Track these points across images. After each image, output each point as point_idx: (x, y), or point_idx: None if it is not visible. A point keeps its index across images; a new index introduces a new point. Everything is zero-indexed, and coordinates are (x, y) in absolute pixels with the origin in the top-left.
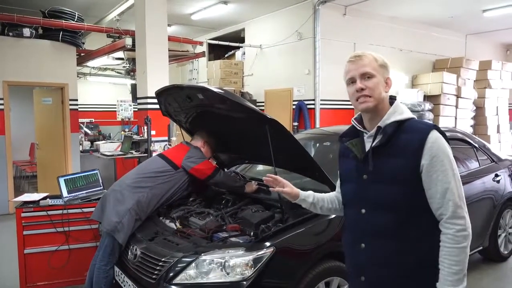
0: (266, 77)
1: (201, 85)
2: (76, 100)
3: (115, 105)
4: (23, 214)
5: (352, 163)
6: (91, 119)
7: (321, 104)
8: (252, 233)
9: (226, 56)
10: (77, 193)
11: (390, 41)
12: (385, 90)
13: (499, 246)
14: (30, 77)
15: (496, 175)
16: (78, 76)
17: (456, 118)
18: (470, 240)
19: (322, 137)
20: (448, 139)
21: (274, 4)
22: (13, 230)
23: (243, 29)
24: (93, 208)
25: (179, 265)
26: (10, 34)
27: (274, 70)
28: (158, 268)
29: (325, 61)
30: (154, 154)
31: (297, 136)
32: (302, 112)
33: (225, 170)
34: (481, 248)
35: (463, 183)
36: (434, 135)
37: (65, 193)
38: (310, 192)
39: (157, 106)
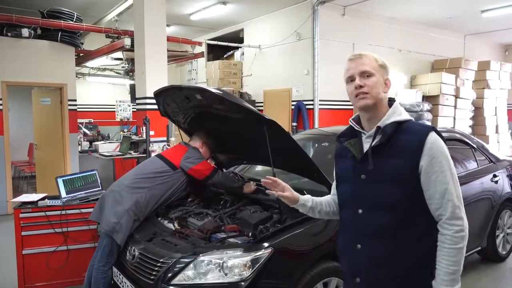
0: (265, 77)
1: (199, 85)
2: (75, 100)
3: (114, 105)
4: (21, 215)
5: (349, 163)
6: (90, 120)
7: (320, 105)
8: (250, 234)
9: (225, 56)
10: (75, 194)
11: (389, 42)
12: (384, 91)
13: (497, 246)
14: (29, 77)
15: (494, 176)
16: (77, 77)
17: (454, 119)
18: (466, 240)
19: (320, 138)
20: (445, 141)
21: (273, 5)
22: (12, 231)
23: (242, 30)
24: (92, 209)
25: (177, 266)
26: (9, 34)
27: (273, 71)
28: (156, 268)
29: (324, 61)
30: (153, 154)
31: (296, 137)
32: (301, 112)
33: (224, 170)
34: (479, 248)
35: (462, 184)
36: (432, 136)
37: (63, 193)
38: (308, 196)
39: (156, 107)
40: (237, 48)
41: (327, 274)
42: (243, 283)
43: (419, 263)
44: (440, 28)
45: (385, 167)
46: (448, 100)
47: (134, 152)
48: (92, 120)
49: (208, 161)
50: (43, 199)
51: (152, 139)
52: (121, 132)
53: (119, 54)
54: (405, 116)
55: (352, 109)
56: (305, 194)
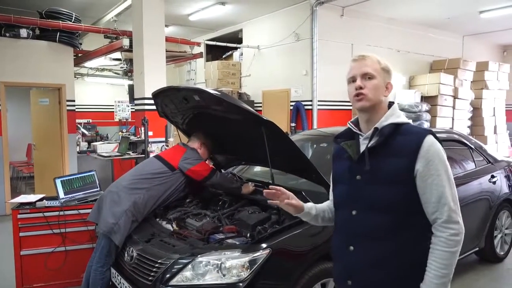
0: (263, 78)
1: (198, 86)
2: (73, 100)
3: (113, 105)
4: (19, 216)
5: (345, 164)
6: (88, 120)
7: (318, 105)
8: (248, 235)
9: (223, 57)
10: (73, 195)
11: (388, 42)
12: (384, 94)
13: (495, 247)
14: (27, 78)
15: (492, 176)
16: (75, 77)
17: (453, 119)
18: (461, 245)
19: (319, 138)
20: (443, 145)
21: (272, 5)
22: (10, 232)
23: (241, 30)
24: (90, 210)
25: (175, 267)
26: (7, 35)
27: (272, 71)
28: (154, 269)
29: (322, 62)
30: (151, 155)
31: (295, 137)
32: (299, 113)
33: (222, 171)
34: (477, 249)
35: (460, 184)
36: (430, 139)
37: (61, 194)
38: (311, 204)
39: (155, 107)
40: (235, 48)
41: (325, 275)
42: (241, 284)
43: (414, 265)
44: (438, 29)
45: (381, 168)
46: (446, 100)
47: (132, 152)
48: (91, 121)
49: (206, 162)
50: (41, 200)
51: (150, 140)
52: (120, 133)
53: (117, 55)
54: (404, 119)
55: (350, 109)
56: (304, 195)
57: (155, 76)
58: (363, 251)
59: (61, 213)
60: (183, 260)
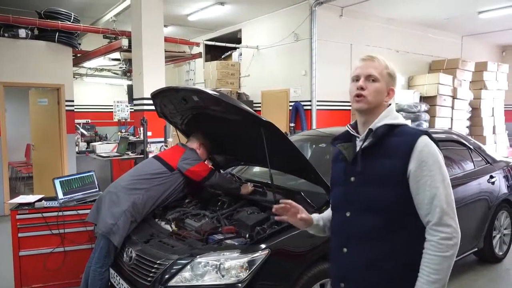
0: (262, 78)
1: (196, 87)
2: (72, 101)
3: (112, 106)
4: (18, 216)
5: (341, 166)
6: (87, 120)
7: (317, 105)
8: (247, 235)
9: (223, 57)
10: (72, 195)
11: (387, 42)
12: (385, 100)
13: (494, 247)
14: (26, 78)
15: (491, 177)
16: (74, 77)
17: (452, 119)
18: (455, 250)
19: (318, 139)
20: (439, 146)
21: (271, 5)
22: (8, 232)
23: (240, 30)
24: (89, 210)
25: (174, 268)
26: (6, 35)
27: (271, 71)
28: (153, 270)
29: (321, 62)
30: (150, 155)
31: (294, 137)
32: (298, 113)
33: (221, 171)
34: (476, 249)
35: (458, 185)
36: (424, 140)
37: (60, 195)
38: (317, 215)
39: (154, 107)
40: (235, 48)
41: (324, 276)
42: (240, 285)
43: (408, 267)
44: (437, 29)
45: (374, 169)
46: (445, 101)
47: (131, 153)
48: (90, 121)
49: (205, 162)
50: (40, 200)
51: (149, 140)
52: (119, 133)
53: (116, 55)
54: (400, 120)
55: (349, 110)
56: (302, 195)
57: (154, 76)
58: (356, 253)
59: (60, 213)
60: (182, 260)
